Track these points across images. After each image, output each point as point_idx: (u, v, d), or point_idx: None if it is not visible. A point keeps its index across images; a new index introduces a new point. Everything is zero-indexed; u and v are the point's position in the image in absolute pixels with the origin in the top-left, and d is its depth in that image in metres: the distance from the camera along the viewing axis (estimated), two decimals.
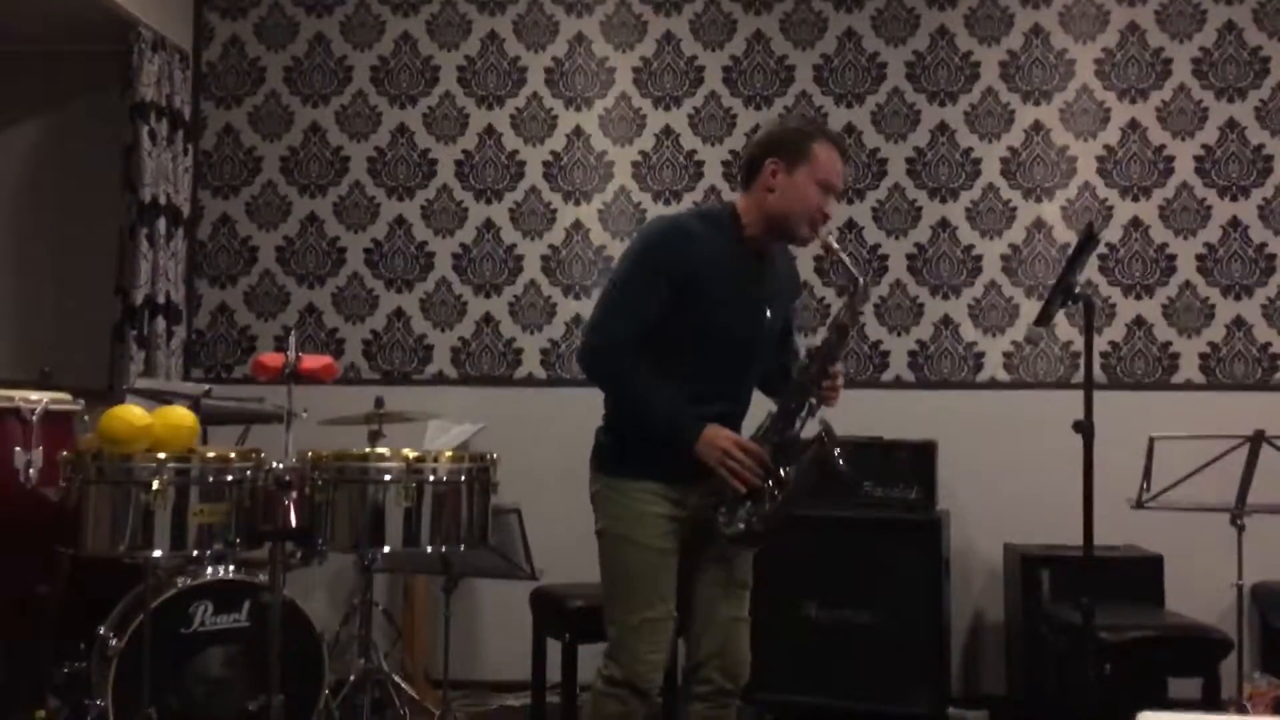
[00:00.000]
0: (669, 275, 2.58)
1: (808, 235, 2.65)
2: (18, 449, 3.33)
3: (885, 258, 4.75)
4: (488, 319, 4.90)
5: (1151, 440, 3.49)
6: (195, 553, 3.13)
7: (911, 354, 4.73)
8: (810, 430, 2.65)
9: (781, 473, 2.58)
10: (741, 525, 2.59)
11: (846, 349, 2.68)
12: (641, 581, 2.61)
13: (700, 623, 2.71)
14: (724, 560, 2.71)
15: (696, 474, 2.62)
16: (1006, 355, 4.68)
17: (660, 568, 2.62)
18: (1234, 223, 4.62)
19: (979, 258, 4.72)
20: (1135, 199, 4.67)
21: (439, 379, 4.89)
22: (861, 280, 2.64)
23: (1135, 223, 4.66)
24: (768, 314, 2.69)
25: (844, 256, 2.64)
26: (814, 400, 2.63)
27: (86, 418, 3.51)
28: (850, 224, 4.75)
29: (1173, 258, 4.64)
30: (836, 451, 2.57)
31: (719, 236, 2.64)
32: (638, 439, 2.64)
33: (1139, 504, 3.50)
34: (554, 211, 4.89)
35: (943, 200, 4.75)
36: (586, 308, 4.57)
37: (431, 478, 3.23)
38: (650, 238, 2.69)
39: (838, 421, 4.45)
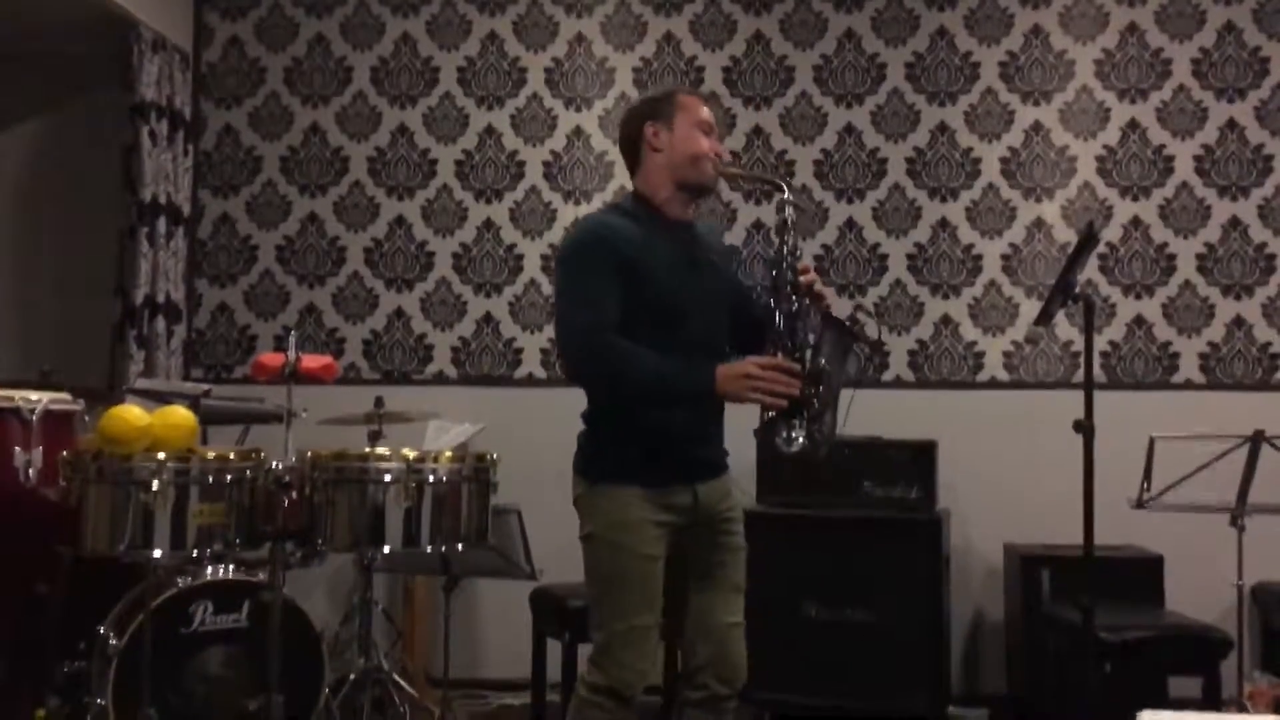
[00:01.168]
0: (609, 268, 2.58)
1: (712, 174, 2.71)
2: (18, 449, 3.32)
3: (885, 257, 4.75)
4: (488, 319, 4.90)
5: (1151, 440, 3.49)
6: (195, 553, 3.12)
7: (911, 354, 4.73)
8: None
9: (820, 366, 2.52)
10: (802, 438, 2.50)
11: (798, 245, 2.66)
12: (631, 588, 2.58)
13: (695, 629, 2.68)
14: (718, 564, 2.70)
15: (684, 475, 2.62)
16: (1006, 355, 4.68)
17: (649, 575, 2.59)
18: (1234, 222, 4.62)
19: (979, 258, 4.72)
20: (1135, 199, 4.67)
21: (439, 379, 4.89)
22: (783, 184, 2.68)
23: (1135, 222, 4.66)
24: (710, 269, 2.71)
25: (755, 172, 2.73)
26: (806, 303, 2.58)
27: (87, 418, 3.51)
28: (850, 224, 4.76)
29: (1172, 257, 4.64)
30: (848, 320, 2.56)
31: (634, 220, 2.67)
32: (623, 441, 2.62)
33: (1139, 504, 3.50)
34: (554, 211, 4.89)
35: (943, 200, 4.75)
36: None
37: (431, 478, 3.22)
38: (576, 239, 2.72)
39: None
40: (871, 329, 2.54)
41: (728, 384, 2.50)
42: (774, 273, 2.64)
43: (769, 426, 2.52)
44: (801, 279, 2.59)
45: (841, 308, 4.64)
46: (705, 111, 2.74)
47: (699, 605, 2.69)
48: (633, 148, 2.75)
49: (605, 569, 2.61)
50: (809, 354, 2.55)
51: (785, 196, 2.65)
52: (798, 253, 2.64)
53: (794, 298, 2.58)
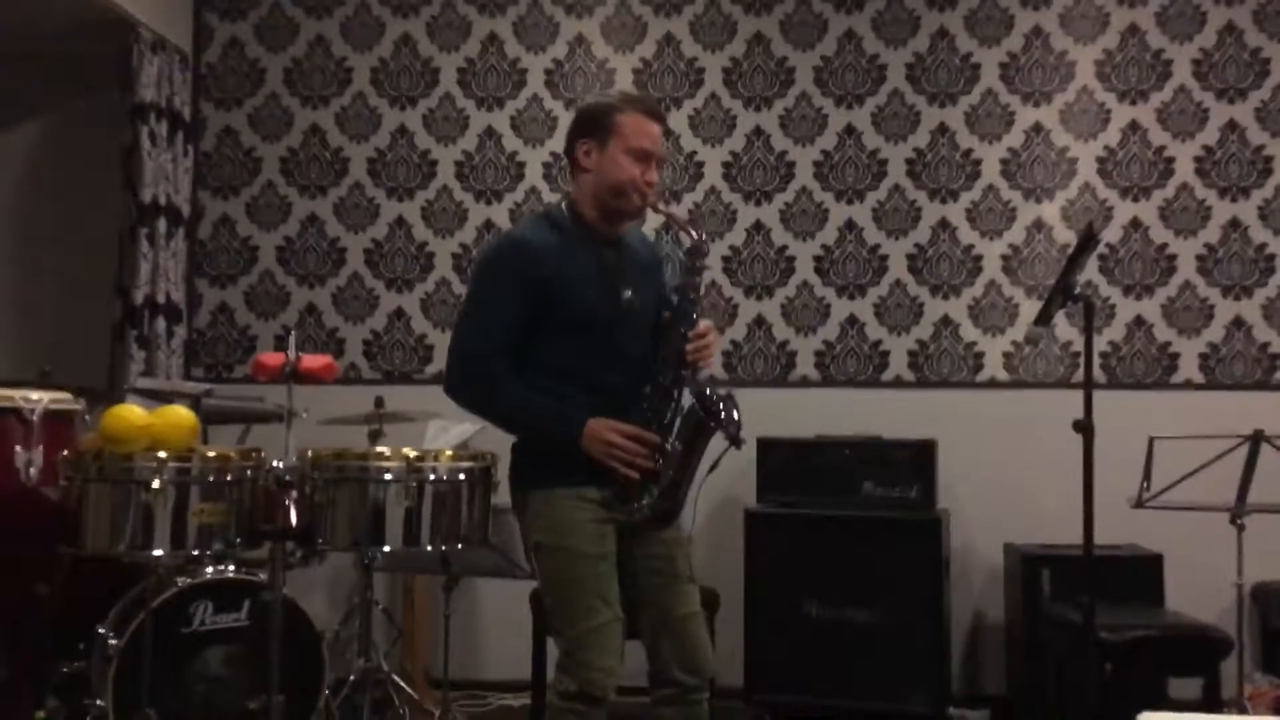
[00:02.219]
0: (516, 287, 2.58)
1: (639, 205, 2.66)
2: (18, 448, 3.33)
3: (885, 258, 4.75)
4: None
5: (1151, 440, 3.49)
6: (195, 552, 3.12)
7: (911, 354, 4.73)
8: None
9: (669, 447, 2.57)
10: (645, 510, 2.58)
11: (698, 307, 2.65)
12: (583, 590, 2.58)
13: (654, 626, 2.67)
14: (662, 559, 2.68)
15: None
16: (1006, 355, 4.68)
17: (599, 573, 2.59)
18: (1234, 224, 4.62)
19: (979, 258, 4.72)
20: (1135, 200, 4.67)
21: (439, 379, 4.85)
22: (699, 237, 2.66)
23: (1135, 223, 4.66)
24: (627, 294, 2.65)
25: (677, 218, 2.76)
26: (685, 368, 2.59)
27: (87, 417, 3.51)
28: (850, 224, 4.76)
29: (1173, 258, 4.64)
30: (718, 399, 2.55)
31: (558, 233, 2.66)
32: (555, 445, 2.62)
33: (1139, 503, 3.50)
34: None
35: (943, 201, 4.75)
36: None
37: (432, 477, 3.22)
38: (486, 258, 2.72)
39: (836, 422, 4.46)
40: (739, 411, 2.55)
41: (589, 443, 2.54)
42: (659, 340, 2.64)
43: (621, 491, 2.58)
44: (688, 347, 2.58)
45: (840, 309, 4.72)
46: (646, 135, 2.63)
47: (654, 603, 2.67)
48: (569, 157, 2.73)
49: (557, 575, 2.62)
50: (669, 431, 2.58)
51: (696, 250, 2.65)
52: (688, 315, 2.62)
53: (674, 368, 2.59)
